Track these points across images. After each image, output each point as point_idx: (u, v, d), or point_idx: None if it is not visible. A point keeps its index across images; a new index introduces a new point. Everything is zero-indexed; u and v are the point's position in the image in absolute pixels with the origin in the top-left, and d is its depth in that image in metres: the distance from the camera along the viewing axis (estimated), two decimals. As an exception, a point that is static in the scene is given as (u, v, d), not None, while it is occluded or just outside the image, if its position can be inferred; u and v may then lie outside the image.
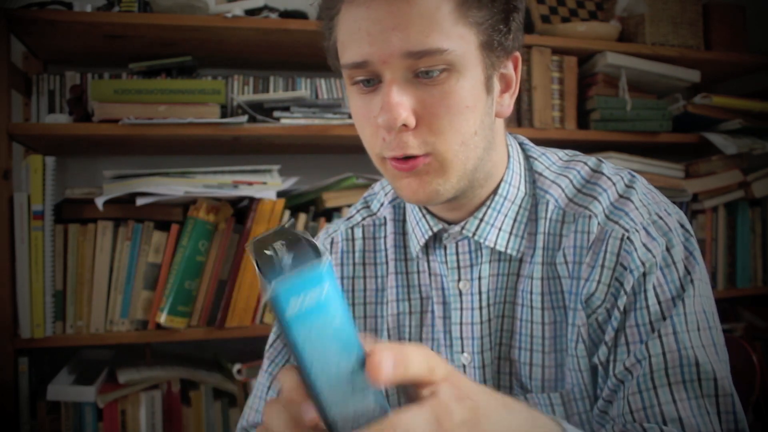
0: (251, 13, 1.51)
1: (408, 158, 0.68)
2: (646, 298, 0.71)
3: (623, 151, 1.72)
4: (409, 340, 0.82)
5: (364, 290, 0.85)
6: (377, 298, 0.85)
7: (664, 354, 0.69)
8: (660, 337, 0.69)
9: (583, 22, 1.81)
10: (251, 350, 1.62)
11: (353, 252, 0.86)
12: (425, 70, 0.65)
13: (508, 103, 0.74)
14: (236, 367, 1.44)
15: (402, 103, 0.65)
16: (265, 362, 0.87)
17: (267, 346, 0.88)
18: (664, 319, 0.70)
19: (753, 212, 1.84)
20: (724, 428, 0.66)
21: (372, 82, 0.68)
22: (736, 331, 1.81)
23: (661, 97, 1.82)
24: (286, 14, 1.51)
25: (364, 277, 0.85)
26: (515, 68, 0.74)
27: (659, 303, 0.70)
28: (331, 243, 0.88)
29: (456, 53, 0.65)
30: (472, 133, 0.69)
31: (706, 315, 0.71)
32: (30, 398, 1.37)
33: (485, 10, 0.67)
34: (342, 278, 0.86)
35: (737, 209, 1.82)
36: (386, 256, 0.85)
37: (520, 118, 1.65)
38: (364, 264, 0.85)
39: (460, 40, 0.66)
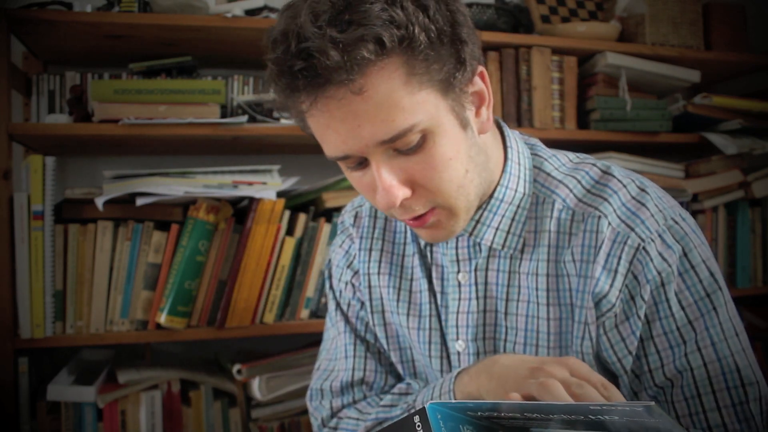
0: (251, 13, 1.50)
1: (418, 216, 0.73)
2: (669, 307, 0.72)
3: (623, 151, 1.72)
4: (429, 316, 0.86)
5: (380, 261, 0.90)
6: (391, 270, 0.89)
7: (705, 365, 0.71)
8: (699, 349, 0.71)
9: (583, 22, 1.81)
10: (251, 350, 1.63)
11: (374, 228, 0.92)
12: (403, 143, 0.67)
13: (486, 116, 0.75)
14: (236, 367, 1.44)
15: (394, 184, 0.68)
16: (339, 325, 0.94)
17: (331, 313, 0.96)
18: (691, 323, 0.72)
19: (753, 212, 1.84)
20: None
21: (360, 163, 0.71)
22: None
23: (661, 97, 1.82)
24: (286, 14, 1.51)
25: (382, 250, 0.90)
26: (483, 80, 0.74)
27: (683, 309, 0.72)
28: (355, 216, 0.94)
29: (424, 121, 0.67)
30: (463, 174, 0.72)
31: (736, 320, 0.74)
32: (30, 398, 1.37)
33: (435, 63, 0.66)
34: (360, 249, 0.92)
35: (737, 209, 1.82)
36: (405, 237, 0.89)
37: (520, 118, 1.65)
38: (383, 239, 0.91)
39: (423, 106, 0.66)
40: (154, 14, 1.42)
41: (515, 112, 1.65)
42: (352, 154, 0.68)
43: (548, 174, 0.81)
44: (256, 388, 1.44)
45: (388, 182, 0.68)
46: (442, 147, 0.69)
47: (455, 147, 0.70)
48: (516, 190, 0.79)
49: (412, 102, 0.65)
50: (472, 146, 0.73)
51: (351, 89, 0.63)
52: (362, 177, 0.72)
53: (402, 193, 0.69)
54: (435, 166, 0.69)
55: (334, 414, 0.91)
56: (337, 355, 0.94)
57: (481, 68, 0.73)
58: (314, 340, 1.40)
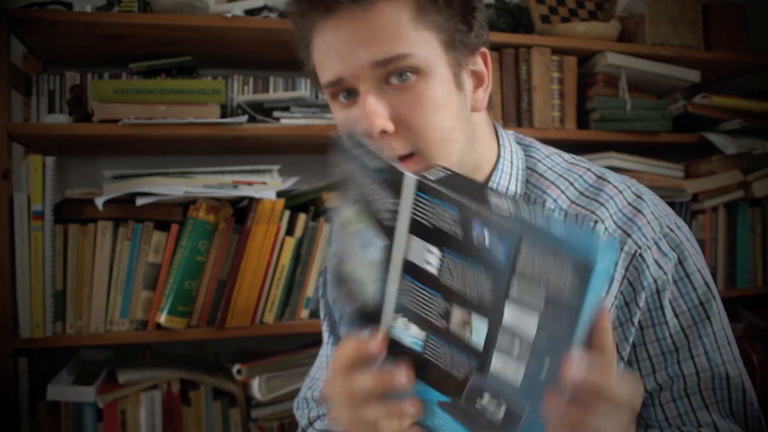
0: (251, 13, 1.50)
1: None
2: (663, 314, 0.72)
3: (623, 151, 1.72)
4: None
5: None
6: None
7: (697, 373, 0.72)
8: (692, 357, 0.72)
9: (583, 22, 1.81)
10: (251, 350, 1.62)
11: None
12: (396, 72, 0.68)
13: (482, 97, 0.76)
14: (236, 367, 1.44)
15: (378, 111, 0.68)
16: (325, 335, 0.96)
17: (322, 322, 0.97)
18: (683, 331, 0.72)
19: (753, 212, 1.84)
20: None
21: (351, 94, 0.71)
22: (736, 332, 1.80)
23: (661, 97, 1.82)
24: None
25: None
26: (485, 63, 0.76)
27: (677, 316, 0.72)
28: None
29: (420, 56, 0.68)
30: (450, 128, 0.71)
31: (729, 329, 0.74)
32: (30, 398, 1.37)
33: (444, 14, 0.70)
34: None
35: (737, 209, 1.82)
36: None
37: (520, 118, 1.65)
38: None
39: (423, 45, 0.68)
40: (154, 14, 1.42)
41: (515, 112, 1.65)
42: (345, 76, 0.69)
43: (540, 175, 0.80)
44: (256, 388, 1.44)
45: (372, 108, 0.68)
46: (433, 90, 0.70)
47: (446, 96, 0.71)
48: (507, 188, 0.79)
49: (415, 36, 0.68)
50: (463, 110, 0.73)
51: (362, 8, 0.67)
52: (348, 117, 0.73)
53: (383, 122, 0.68)
54: (423, 106, 0.69)
55: (310, 423, 0.92)
56: (321, 365, 0.96)
57: (484, 50, 0.75)
58: (314, 340, 1.40)
